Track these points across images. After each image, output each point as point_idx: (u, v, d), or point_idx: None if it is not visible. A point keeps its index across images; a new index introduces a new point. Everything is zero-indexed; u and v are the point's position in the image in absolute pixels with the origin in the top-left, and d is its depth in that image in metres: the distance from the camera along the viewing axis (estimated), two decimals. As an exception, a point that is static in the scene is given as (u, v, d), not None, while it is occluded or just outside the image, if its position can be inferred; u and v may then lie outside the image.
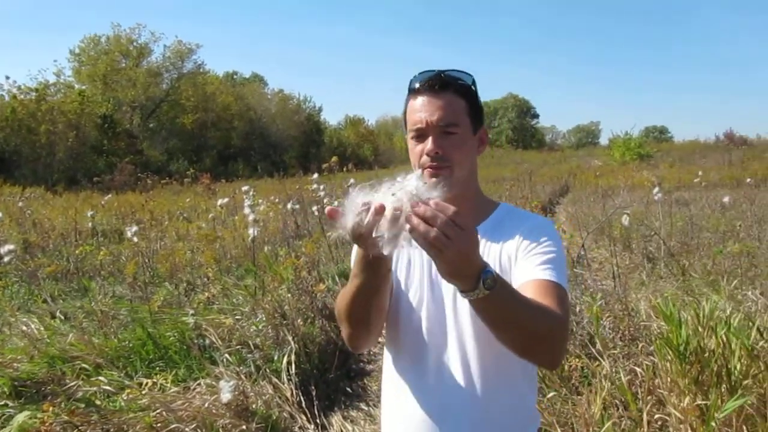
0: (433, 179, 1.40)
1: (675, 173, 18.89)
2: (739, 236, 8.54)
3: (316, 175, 10.55)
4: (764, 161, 20.52)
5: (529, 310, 1.27)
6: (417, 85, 1.51)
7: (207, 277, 6.07)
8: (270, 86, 59.12)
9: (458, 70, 1.53)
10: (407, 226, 1.09)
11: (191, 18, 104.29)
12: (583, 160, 38.36)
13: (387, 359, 1.65)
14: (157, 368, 4.23)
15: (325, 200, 9.36)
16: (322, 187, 10.04)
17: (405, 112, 1.56)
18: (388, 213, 1.12)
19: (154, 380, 3.84)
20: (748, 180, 14.28)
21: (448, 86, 1.49)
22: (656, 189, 9.47)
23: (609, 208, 10.64)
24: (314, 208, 9.27)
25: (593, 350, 3.68)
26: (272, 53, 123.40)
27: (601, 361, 3.23)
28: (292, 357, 4.35)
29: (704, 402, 2.47)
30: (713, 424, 2.31)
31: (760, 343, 2.78)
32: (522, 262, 1.46)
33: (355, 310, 1.43)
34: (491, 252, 1.53)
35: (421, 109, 1.49)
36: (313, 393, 4.33)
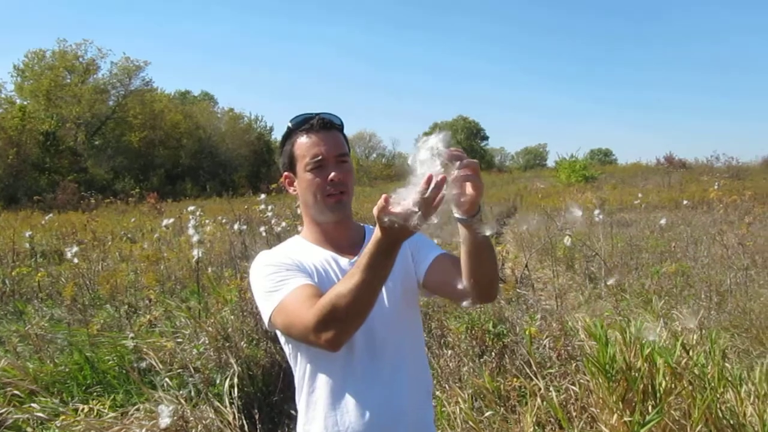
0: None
1: (617, 195, 19.41)
2: (676, 256, 8.84)
3: (263, 196, 10.48)
4: (701, 184, 21.27)
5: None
6: (309, 125, 1.73)
7: (149, 299, 5.96)
8: (220, 105, 58.61)
9: (329, 113, 1.76)
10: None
11: (142, 36, 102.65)
12: (530, 181, 39.07)
13: (314, 368, 1.70)
14: (95, 393, 4.13)
15: (273, 221, 9.31)
16: (270, 207, 9.98)
17: (292, 149, 1.75)
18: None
19: (91, 406, 3.75)
20: (685, 202, 14.80)
21: (333, 125, 1.75)
22: (597, 211, 9.73)
23: (553, 230, 10.87)
24: (262, 228, 9.20)
25: (529, 371, 3.76)
26: (224, 72, 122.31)
27: (537, 380, 3.30)
28: (235, 380, 4.30)
29: (631, 419, 2.56)
30: (639, 440, 2.39)
31: (683, 361, 2.90)
32: (422, 253, 1.78)
33: (363, 305, 1.44)
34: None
35: (320, 144, 1.71)
36: (257, 416, 4.29)
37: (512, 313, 5.40)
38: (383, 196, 1.31)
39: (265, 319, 1.64)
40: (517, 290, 6.60)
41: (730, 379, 2.80)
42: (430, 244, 1.83)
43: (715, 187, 16.10)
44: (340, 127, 1.78)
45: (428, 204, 1.27)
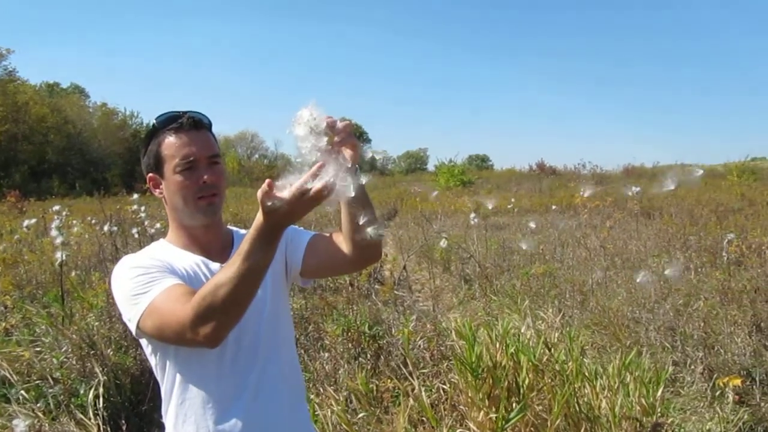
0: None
1: (492, 199, 20.19)
2: (545, 258, 9.32)
3: (136, 196, 10.02)
4: (569, 190, 22.51)
5: None
6: (177, 124, 1.64)
7: (4, 305, 5.54)
8: (92, 99, 55.45)
9: (197, 112, 1.69)
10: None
11: (5, 22, 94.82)
12: (411, 185, 39.91)
13: (185, 377, 1.62)
14: (-61, 410, 3.78)
15: (146, 222, 8.92)
16: (143, 207, 9.55)
17: (158, 149, 1.65)
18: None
19: (-66, 424, 3.43)
20: (554, 207, 15.64)
21: (203, 124, 1.68)
22: (473, 215, 10.10)
23: (431, 232, 11.15)
24: (134, 230, 8.78)
25: (405, 371, 3.83)
26: (98, 65, 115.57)
27: (411, 380, 3.37)
28: (101, 390, 4.08)
29: (496, 415, 2.66)
30: (503, 435, 2.49)
31: (545, 358, 3.06)
32: (295, 242, 1.78)
33: (244, 294, 1.38)
34: None
35: (191, 144, 1.62)
36: (124, 427, 4.09)
37: (389, 315, 5.48)
38: (267, 180, 1.30)
39: (132, 326, 1.54)
40: (395, 292, 6.70)
41: (587, 374, 2.97)
42: (299, 230, 1.82)
43: (582, 193, 17.12)
44: (209, 127, 1.70)
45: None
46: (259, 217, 1.34)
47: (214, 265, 1.66)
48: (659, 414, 2.96)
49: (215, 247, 1.72)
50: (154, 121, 1.66)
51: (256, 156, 65.98)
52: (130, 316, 1.53)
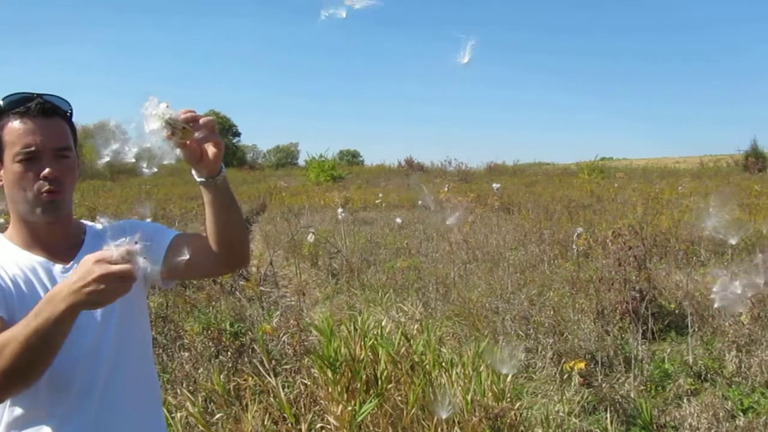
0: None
1: (362, 194, 20.40)
2: (410, 252, 9.54)
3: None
4: (436, 186, 23.22)
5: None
6: (25, 108, 1.45)
7: None
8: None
9: (57, 96, 1.51)
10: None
11: None
12: (282, 179, 39.50)
13: (12, 416, 1.44)
14: None
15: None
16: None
17: (1, 133, 1.46)
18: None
19: None
20: (420, 202, 16.04)
21: (57, 111, 1.49)
22: (340, 210, 10.15)
23: (299, 227, 11.08)
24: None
25: (268, 367, 3.77)
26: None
27: (269, 378, 3.31)
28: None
29: (353, 407, 2.69)
30: (360, 427, 2.51)
31: (403, 349, 3.12)
32: (157, 241, 1.59)
33: (33, 363, 1.22)
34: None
35: (35, 132, 1.44)
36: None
37: (254, 311, 5.38)
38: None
39: None
40: (261, 288, 6.60)
41: (443, 364, 3.06)
42: (162, 229, 1.67)
43: (445, 189, 17.68)
44: (65, 115, 1.51)
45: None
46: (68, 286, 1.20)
47: (57, 268, 1.50)
48: (508, 399, 3.11)
49: (60, 246, 1.54)
50: (0, 102, 1.46)
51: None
52: None
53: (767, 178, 21.99)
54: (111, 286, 1.18)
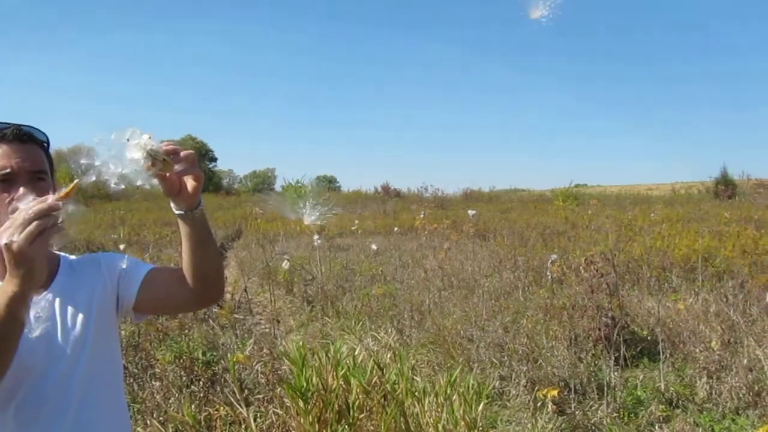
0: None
1: (338, 221, 20.37)
2: (385, 279, 9.53)
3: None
4: (411, 212, 23.27)
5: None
6: (1, 134, 1.46)
7: None
8: None
9: (33, 126, 1.53)
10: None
11: None
12: (258, 205, 39.27)
13: None
14: None
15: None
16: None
17: None
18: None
19: None
20: (396, 229, 16.09)
21: (33, 138, 1.51)
22: (316, 236, 10.13)
23: (274, 254, 11.03)
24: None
25: (240, 397, 3.72)
26: None
27: (240, 408, 3.27)
28: None
29: (325, 439, 2.67)
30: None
31: (375, 379, 3.11)
32: (130, 274, 1.62)
33: None
34: (89, 287, 1.58)
35: (11, 155, 1.45)
36: None
37: (227, 339, 5.33)
38: None
39: None
40: (234, 315, 6.54)
41: (416, 393, 3.05)
42: (137, 262, 1.67)
43: (421, 215, 17.75)
44: (41, 144, 1.53)
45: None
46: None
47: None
48: (481, 428, 3.10)
49: None
50: None
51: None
52: None
53: (737, 204, 22.38)
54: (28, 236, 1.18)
